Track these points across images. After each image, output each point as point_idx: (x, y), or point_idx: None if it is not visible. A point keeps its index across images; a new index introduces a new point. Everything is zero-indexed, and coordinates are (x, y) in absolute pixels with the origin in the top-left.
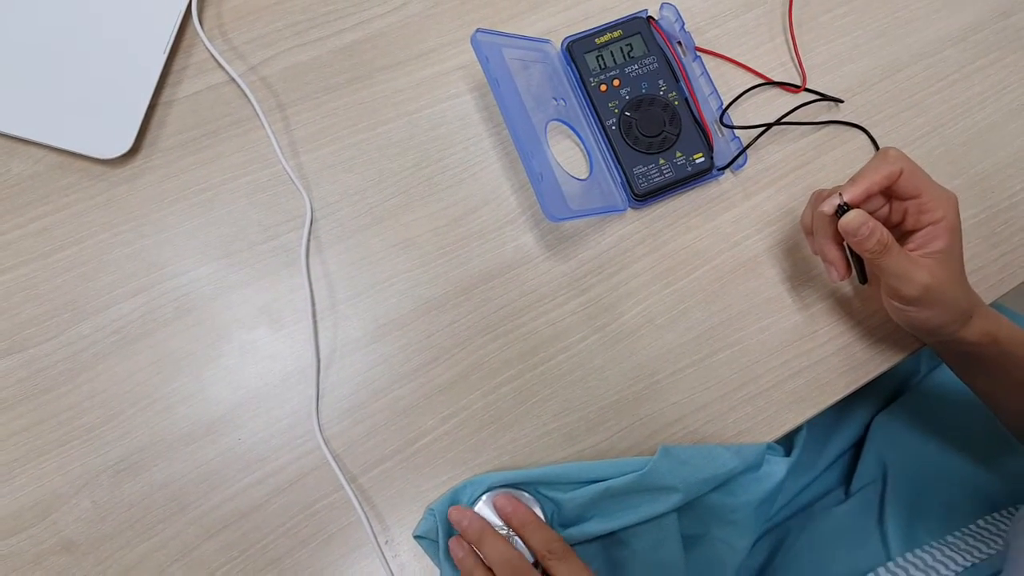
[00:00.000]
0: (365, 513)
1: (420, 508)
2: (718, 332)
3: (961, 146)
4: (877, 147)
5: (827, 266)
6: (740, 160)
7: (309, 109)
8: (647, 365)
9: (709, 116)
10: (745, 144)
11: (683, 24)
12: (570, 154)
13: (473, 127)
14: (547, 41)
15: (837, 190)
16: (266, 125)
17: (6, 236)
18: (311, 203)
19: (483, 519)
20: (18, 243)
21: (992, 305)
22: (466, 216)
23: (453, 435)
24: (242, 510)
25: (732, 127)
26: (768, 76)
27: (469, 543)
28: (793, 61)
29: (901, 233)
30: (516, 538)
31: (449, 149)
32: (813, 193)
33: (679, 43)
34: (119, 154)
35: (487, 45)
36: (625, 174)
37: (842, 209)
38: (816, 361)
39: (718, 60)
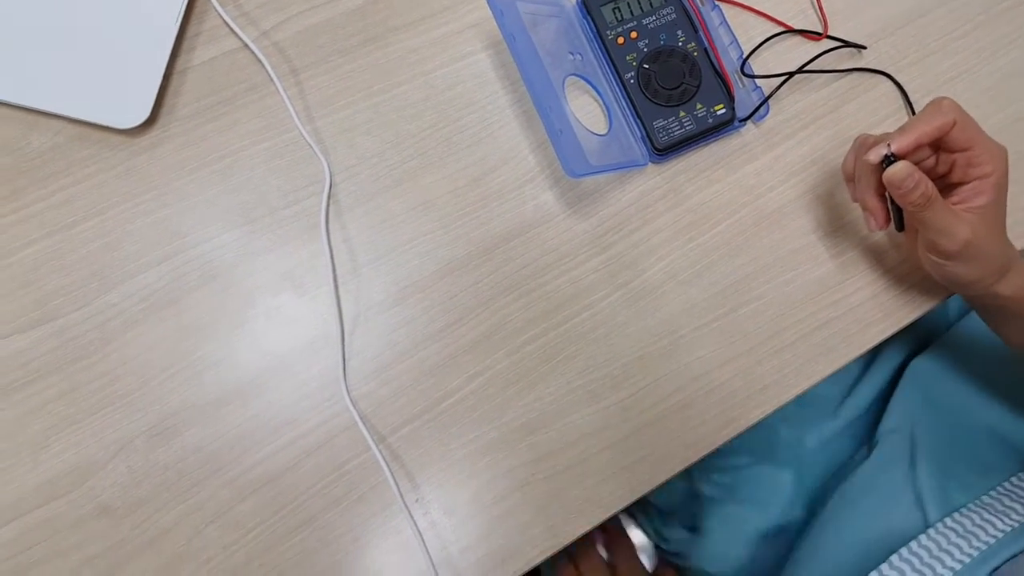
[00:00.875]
0: (392, 473)
1: (448, 466)
2: (743, 286)
3: (987, 91)
4: (904, 93)
5: (866, 215)
6: (762, 111)
7: (323, 73)
8: (671, 321)
9: (730, 66)
10: (767, 94)
11: None
12: (589, 109)
13: (489, 85)
14: None
15: (885, 138)
16: (281, 91)
17: (30, 208)
18: (329, 167)
19: None
20: (42, 215)
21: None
22: (485, 176)
23: (479, 394)
24: (274, 472)
25: (753, 76)
26: (789, 24)
27: None
28: (814, 7)
29: (945, 185)
30: None
31: (466, 108)
32: (857, 138)
33: None
34: (137, 123)
35: (503, 1)
36: (645, 128)
37: (888, 159)
38: (843, 312)
39: (737, 9)
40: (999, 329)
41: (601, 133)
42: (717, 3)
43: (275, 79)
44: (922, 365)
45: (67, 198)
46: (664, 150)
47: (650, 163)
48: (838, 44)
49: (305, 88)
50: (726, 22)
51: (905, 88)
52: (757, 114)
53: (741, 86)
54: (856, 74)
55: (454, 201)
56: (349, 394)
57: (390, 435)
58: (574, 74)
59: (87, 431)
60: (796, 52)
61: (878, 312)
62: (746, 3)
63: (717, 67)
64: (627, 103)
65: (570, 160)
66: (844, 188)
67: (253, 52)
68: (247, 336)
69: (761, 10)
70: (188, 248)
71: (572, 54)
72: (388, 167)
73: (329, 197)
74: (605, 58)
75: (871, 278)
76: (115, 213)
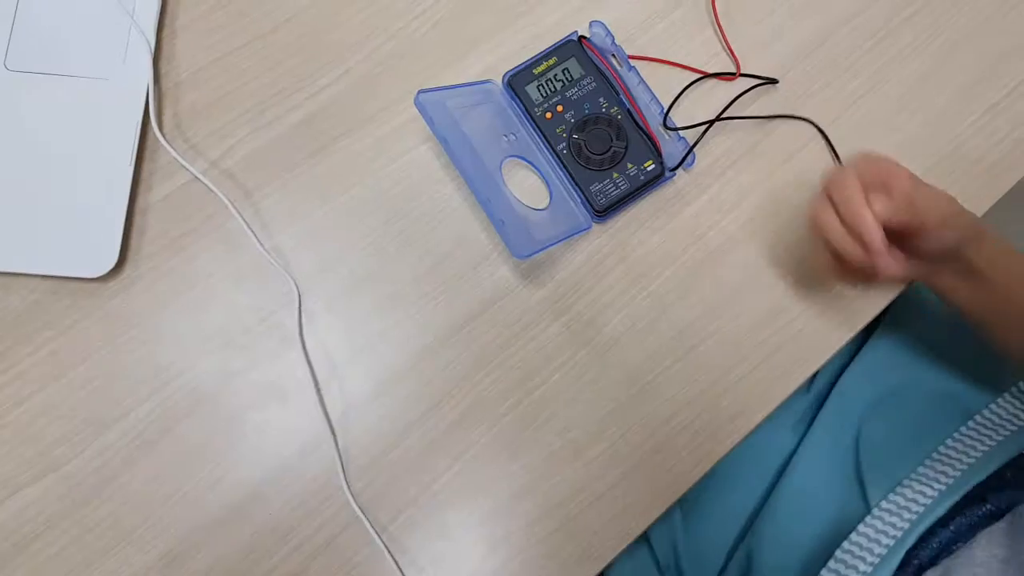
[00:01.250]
0: (396, 561)
1: (448, 544)
2: (697, 325)
3: (898, 100)
4: (823, 133)
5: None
6: (689, 159)
7: (276, 190)
8: (636, 369)
9: (653, 122)
10: (691, 143)
11: (613, 38)
12: (528, 184)
13: (434, 174)
14: (488, 82)
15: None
16: (237, 215)
17: (19, 367)
18: (295, 280)
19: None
20: (32, 371)
21: None
22: (442, 261)
23: (467, 471)
24: None
25: (676, 129)
26: (703, 70)
27: None
28: (724, 50)
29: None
30: None
31: (415, 201)
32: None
33: (613, 55)
34: (107, 270)
35: (431, 104)
36: (583, 193)
37: None
38: (794, 334)
39: (653, 64)
40: (974, 307)
41: (543, 207)
42: (633, 64)
43: (229, 205)
44: (871, 347)
45: (52, 351)
46: (604, 211)
47: (594, 225)
48: (753, 83)
49: (260, 208)
50: (643, 81)
51: (819, 124)
52: (685, 163)
53: (667, 137)
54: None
55: (416, 289)
56: (350, 489)
57: (389, 524)
58: (511, 155)
59: (103, 571)
60: (715, 95)
61: (825, 328)
62: (661, 57)
63: (641, 126)
64: (564, 173)
65: (516, 244)
66: (777, 217)
67: (204, 183)
68: (241, 453)
69: (676, 61)
70: (172, 379)
71: (506, 135)
72: (350, 269)
73: (300, 310)
74: (537, 134)
75: (815, 298)
76: (99, 357)
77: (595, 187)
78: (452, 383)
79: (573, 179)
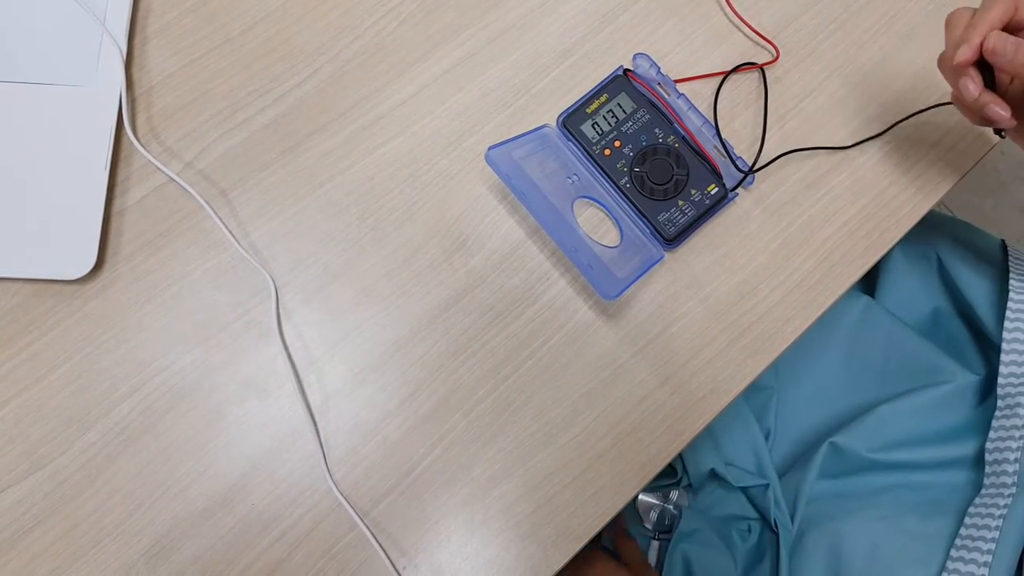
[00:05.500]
0: (380, 544)
1: (429, 529)
2: (666, 309)
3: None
4: None
5: (964, 80)
6: (748, 179)
7: (249, 189)
8: (609, 354)
9: (708, 146)
10: (750, 165)
11: (659, 68)
12: (597, 222)
13: (403, 170)
14: (544, 127)
15: (962, 39)
16: (212, 215)
17: (3, 368)
18: (271, 275)
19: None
20: (14, 373)
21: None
22: (415, 254)
23: (444, 458)
24: (269, 567)
25: (733, 158)
26: (731, 67)
27: None
28: (751, 36)
29: None
30: None
31: (386, 196)
32: (948, 19)
33: (659, 84)
34: (85, 272)
35: (501, 159)
36: (652, 224)
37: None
38: (762, 314)
39: (700, 82)
40: None
41: (615, 244)
42: (681, 92)
43: (204, 205)
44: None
45: (34, 352)
46: (673, 239)
47: (666, 254)
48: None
49: (236, 206)
50: (693, 106)
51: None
52: (744, 182)
53: (722, 158)
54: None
55: (391, 283)
56: (332, 477)
57: (371, 510)
58: (580, 196)
59: (90, 564)
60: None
61: (792, 309)
62: (705, 73)
63: (699, 151)
64: (630, 207)
65: (604, 286)
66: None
67: (180, 184)
68: (222, 447)
69: (707, 72)
70: (153, 376)
71: (569, 177)
72: (324, 264)
73: (278, 304)
74: (599, 171)
75: (781, 278)
76: (81, 357)
77: (663, 216)
78: (428, 372)
79: (640, 211)
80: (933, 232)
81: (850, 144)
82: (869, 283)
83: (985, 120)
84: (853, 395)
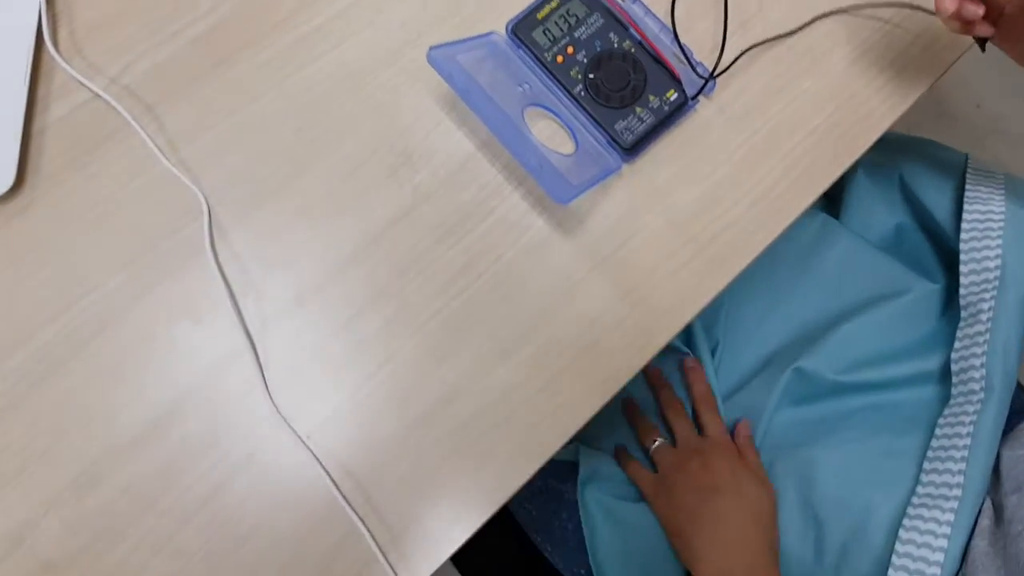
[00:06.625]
0: (324, 466)
1: (375, 450)
2: (625, 222)
3: None
4: None
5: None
6: (709, 86)
7: (179, 104)
8: (565, 268)
9: (667, 53)
10: (711, 68)
11: None
12: (552, 132)
13: (343, 82)
14: (491, 34)
15: None
16: (139, 130)
17: None
18: (203, 193)
19: None
20: None
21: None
22: (357, 170)
23: (392, 378)
24: (206, 494)
25: (691, 59)
26: None
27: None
28: None
29: None
30: None
31: (325, 111)
32: None
33: None
34: (4, 190)
35: (444, 59)
36: (608, 132)
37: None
38: (727, 225)
39: None
40: None
41: (570, 152)
42: None
43: (131, 120)
44: None
45: None
46: (632, 148)
47: (624, 165)
48: None
49: (164, 122)
50: (650, 11)
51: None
52: (705, 89)
53: (682, 63)
54: None
55: (332, 199)
56: (272, 399)
57: (314, 432)
58: (530, 104)
59: (14, 494)
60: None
61: (759, 219)
62: None
63: (656, 56)
64: (585, 115)
65: (556, 189)
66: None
67: (105, 100)
68: (153, 372)
69: None
70: (79, 299)
71: (520, 86)
72: (260, 180)
73: (211, 221)
74: (551, 79)
75: (746, 188)
76: (1, 279)
77: (619, 125)
78: (374, 291)
79: (595, 120)
80: (898, 154)
81: (809, 20)
82: (833, 207)
83: (963, 24)
84: (808, 309)
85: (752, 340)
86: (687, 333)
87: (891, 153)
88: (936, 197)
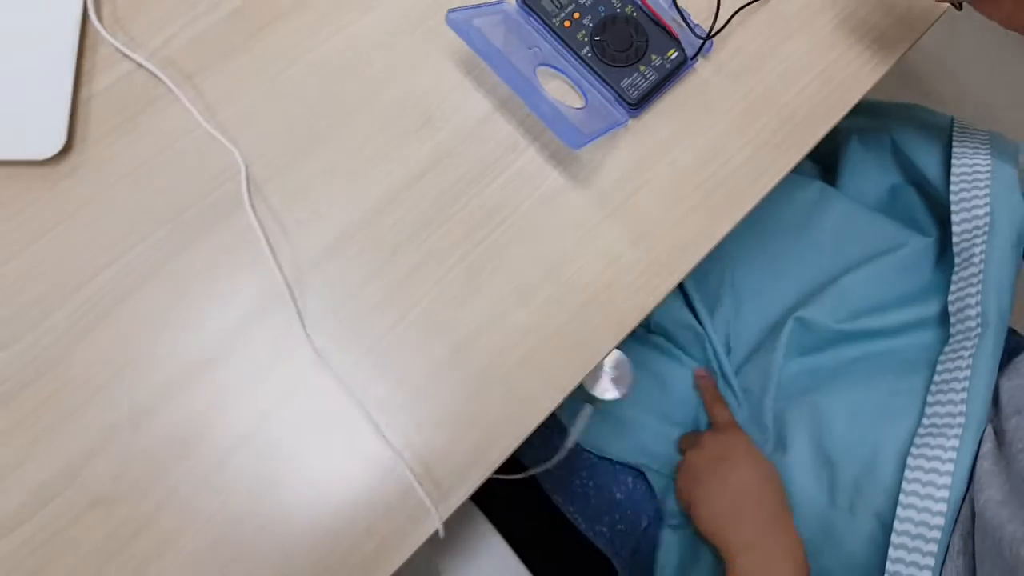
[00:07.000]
0: (362, 402)
1: (408, 388)
2: (634, 173)
3: None
4: None
5: None
6: (707, 46)
7: (217, 72)
8: (579, 217)
9: (666, 16)
10: (708, 30)
11: None
12: (562, 91)
13: (375, 50)
14: (502, 2)
15: None
16: (180, 96)
17: None
18: (240, 154)
19: None
20: None
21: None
22: (384, 128)
23: (421, 320)
24: (249, 430)
25: (687, 19)
26: None
27: None
28: None
29: None
30: None
31: (350, 74)
32: None
33: None
34: (55, 152)
35: (462, 22)
36: (616, 90)
37: None
38: (730, 172)
39: None
40: None
41: (579, 107)
42: None
43: (172, 87)
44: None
45: (5, 231)
46: (637, 104)
47: (630, 120)
48: None
49: (203, 89)
50: None
51: None
52: (703, 49)
53: (680, 27)
54: None
55: (359, 157)
56: (311, 340)
57: (351, 369)
58: (541, 64)
59: (68, 431)
60: None
61: (760, 167)
62: None
63: (656, 19)
64: (592, 75)
65: (569, 136)
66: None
67: (148, 69)
68: (198, 318)
69: None
70: (124, 253)
71: (530, 48)
72: (292, 141)
73: (248, 178)
74: (560, 43)
75: (746, 139)
76: (54, 235)
77: (625, 82)
78: (400, 240)
79: (602, 78)
80: (888, 119)
81: None
82: (830, 175)
83: None
84: (809, 268)
85: (758, 308)
86: (692, 310)
87: (882, 118)
88: (926, 157)
